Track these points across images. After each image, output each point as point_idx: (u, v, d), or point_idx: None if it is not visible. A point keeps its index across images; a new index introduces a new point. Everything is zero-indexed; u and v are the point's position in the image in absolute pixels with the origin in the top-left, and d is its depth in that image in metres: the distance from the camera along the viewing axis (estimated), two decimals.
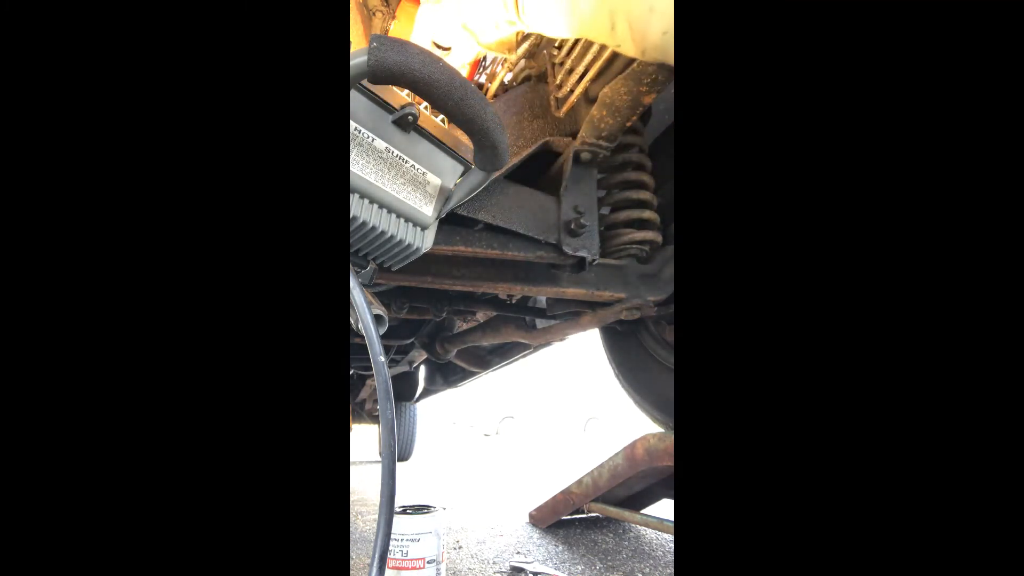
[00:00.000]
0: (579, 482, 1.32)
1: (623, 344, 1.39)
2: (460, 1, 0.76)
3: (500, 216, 0.88)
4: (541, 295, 1.08)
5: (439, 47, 0.86)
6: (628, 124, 0.88)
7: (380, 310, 0.53)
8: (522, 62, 1.03)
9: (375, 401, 3.14)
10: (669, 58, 0.58)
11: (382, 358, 0.50)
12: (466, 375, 2.12)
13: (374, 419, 3.36)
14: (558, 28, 0.65)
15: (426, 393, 2.77)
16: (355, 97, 0.55)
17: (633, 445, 1.13)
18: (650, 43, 0.58)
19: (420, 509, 0.85)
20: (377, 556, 0.46)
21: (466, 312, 1.41)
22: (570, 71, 0.92)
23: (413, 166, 0.62)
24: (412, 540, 0.80)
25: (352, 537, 1.36)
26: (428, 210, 0.64)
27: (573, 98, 0.92)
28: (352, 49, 0.48)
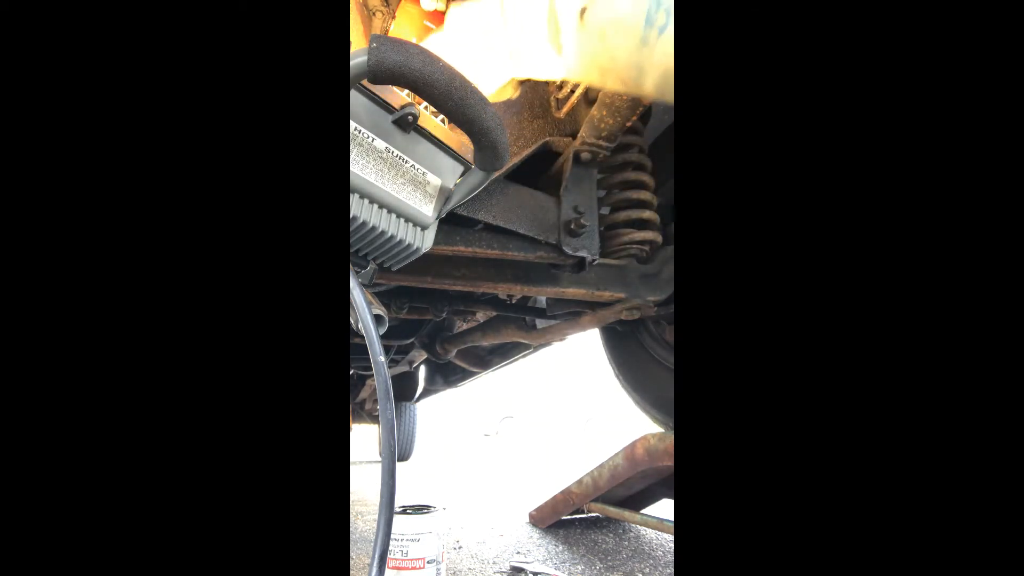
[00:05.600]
0: (579, 482, 1.32)
1: (623, 344, 1.39)
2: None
3: (500, 216, 0.88)
4: (541, 295, 1.08)
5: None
6: (628, 124, 0.88)
7: (380, 310, 0.53)
8: None
9: (375, 401, 3.14)
10: (667, 98, 0.58)
11: (382, 358, 0.50)
12: (466, 375, 2.12)
13: (374, 419, 3.36)
14: (550, 73, 0.66)
15: (426, 393, 2.77)
16: (355, 97, 0.55)
17: (633, 445, 1.13)
18: (645, 92, 0.58)
19: (420, 509, 0.85)
20: (377, 556, 0.46)
21: (466, 312, 1.41)
22: None
23: (413, 166, 0.62)
24: (412, 540, 0.80)
25: (352, 537, 1.36)
26: (428, 210, 0.64)
27: (573, 99, 0.92)
28: (352, 49, 0.48)
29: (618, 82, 0.59)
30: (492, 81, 0.71)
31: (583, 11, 0.57)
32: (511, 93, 0.80)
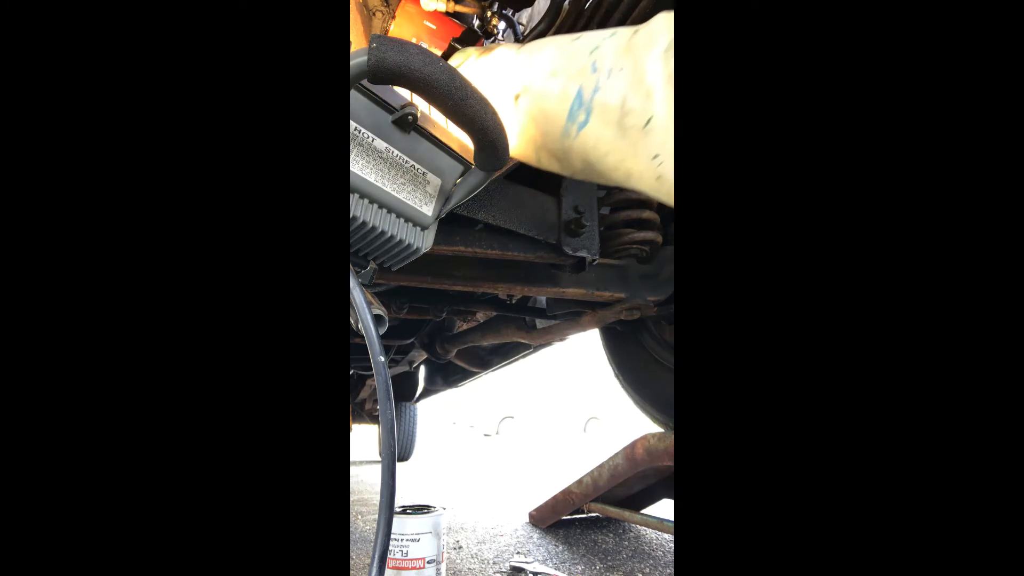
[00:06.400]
0: (579, 482, 1.32)
1: (623, 344, 1.39)
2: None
3: (500, 216, 0.88)
4: (541, 295, 1.08)
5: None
6: None
7: (380, 310, 0.53)
8: None
9: (375, 401, 3.14)
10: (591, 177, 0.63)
11: (382, 358, 0.50)
12: (466, 375, 2.12)
13: (374, 419, 3.36)
14: None
15: (426, 393, 2.77)
16: (355, 97, 0.55)
17: (633, 445, 1.13)
18: (573, 173, 0.64)
19: (420, 509, 0.85)
20: (377, 556, 0.46)
21: (466, 312, 1.42)
22: None
23: (413, 166, 0.62)
24: (412, 540, 0.80)
25: (352, 537, 1.36)
26: (428, 210, 0.64)
27: None
28: (352, 49, 0.48)
29: (551, 161, 0.64)
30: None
31: (517, 96, 0.63)
32: None
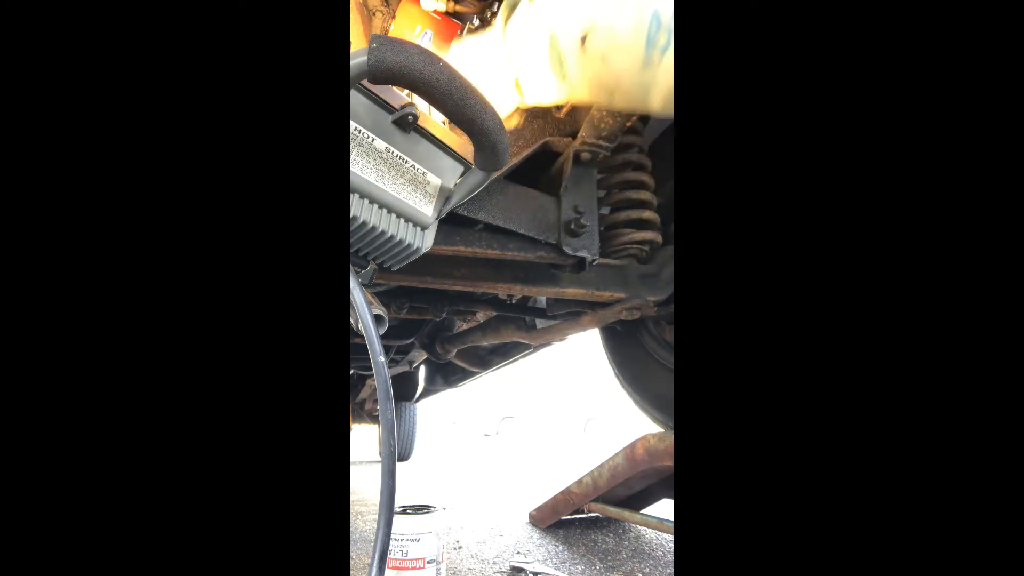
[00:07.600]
0: (579, 482, 1.32)
1: (623, 344, 1.39)
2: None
3: (500, 216, 0.88)
4: (541, 295, 1.08)
5: None
6: (628, 124, 0.88)
7: (380, 310, 0.53)
8: None
9: (375, 401, 3.14)
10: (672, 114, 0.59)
11: (382, 358, 0.50)
12: (466, 375, 2.12)
13: (374, 419, 3.36)
14: (556, 98, 0.67)
15: (426, 393, 2.77)
16: (355, 97, 0.55)
17: (633, 445, 1.13)
18: (653, 109, 0.59)
19: (420, 509, 0.85)
20: (377, 556, 0.46)
21: (466, 312, 1.41)
22: None
23: (413, 166, 0.62)
24: (412, 540, 0.80)
25: (352, 537, 1.36)
26: (428, 210, 0.64)
27: None
28: (352, 49, 0.48)
29: (624, 101, 0.59)
30: (499, 111, 0.73)
31: (584, 39, 0.58)
32: (516, 122, 0.80)
